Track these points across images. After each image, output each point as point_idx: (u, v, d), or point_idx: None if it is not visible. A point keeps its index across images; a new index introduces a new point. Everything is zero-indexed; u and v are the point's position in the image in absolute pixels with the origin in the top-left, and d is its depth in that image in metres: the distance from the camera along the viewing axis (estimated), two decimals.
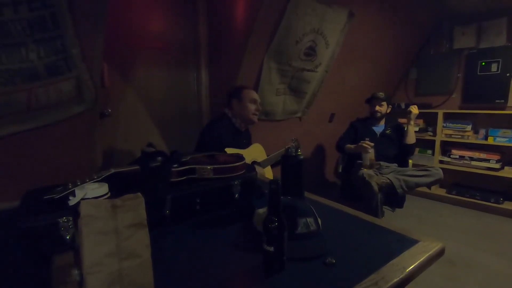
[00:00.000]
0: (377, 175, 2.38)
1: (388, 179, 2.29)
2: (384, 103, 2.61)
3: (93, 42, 1.51)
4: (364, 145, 2.32)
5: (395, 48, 3.15)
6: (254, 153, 2.05)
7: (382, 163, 2.55)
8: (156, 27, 2.19)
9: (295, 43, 2.25)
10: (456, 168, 3.14)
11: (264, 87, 2.40)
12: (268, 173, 2.16)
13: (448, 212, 2.99)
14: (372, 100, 2.63)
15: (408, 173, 2.37)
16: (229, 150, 1.73)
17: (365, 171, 2.31)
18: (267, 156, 2.16)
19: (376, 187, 2.19)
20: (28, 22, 1.26)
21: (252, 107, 1.94)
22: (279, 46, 2.21)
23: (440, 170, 2.35)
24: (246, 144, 2.02)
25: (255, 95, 1.97)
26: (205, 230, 0.93)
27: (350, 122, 2.82)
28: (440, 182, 2.44)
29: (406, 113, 2.54)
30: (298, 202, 0.87)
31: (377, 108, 2.60)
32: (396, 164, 2.61)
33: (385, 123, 2.70)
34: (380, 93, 2.60)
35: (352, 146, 2.54)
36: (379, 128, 2.68)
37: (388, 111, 2.66)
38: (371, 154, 2.34)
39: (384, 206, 2.69)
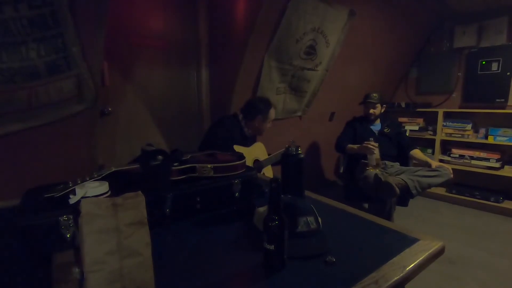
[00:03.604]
0: (383, 175, 2.33)
1: (403, 180, 2.20)
2: (378, 105, 2.59)
3: (93, 41, 1.51)
4: (370, 146, 2.27)
5: (396, 47, 3.14)
6: (256, 151, 2.08)
7: (387, 162, 2.53)
8: (156, 26, 2.19)
9: (295, 42, 2.25)
10: (456, 167, 3.13)
11: (264, 86, 2.39)
12: (268, 172, 2.17)
13: (448, 211, 3.00)
14: (366, 104, 2.62)
15: (420, 173, 2.30)
16: (237, 148, 1.81)
17: (377, 172, 2.22)
18: (268, 155, 2.17)
19: (397, 188, 2.07)
20: (28, 20, 1.26)
21: (268, 125, 2.05)
22: (280, 45, 2.20)
23: (448, 170, 2.28)
24: (250, 145, 2.06)
25: (274, 114, 2.07)
26: (206, 229, 0.93)
27: (346, 121, 2.80)
28: (449, 182, 2.36)
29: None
30: (299, 200, 0.87)
31: (371, 111, 2.59)
32: (399, 163, 2.59)
33: (381, 122, 2.69)
34: (374, 95, 2.57)
35: (355, 146, 2.47)
36: (376, 127, 2.67)
37: (382, 111, 2.65)
38: (376, 154, 2.31)
39: None
